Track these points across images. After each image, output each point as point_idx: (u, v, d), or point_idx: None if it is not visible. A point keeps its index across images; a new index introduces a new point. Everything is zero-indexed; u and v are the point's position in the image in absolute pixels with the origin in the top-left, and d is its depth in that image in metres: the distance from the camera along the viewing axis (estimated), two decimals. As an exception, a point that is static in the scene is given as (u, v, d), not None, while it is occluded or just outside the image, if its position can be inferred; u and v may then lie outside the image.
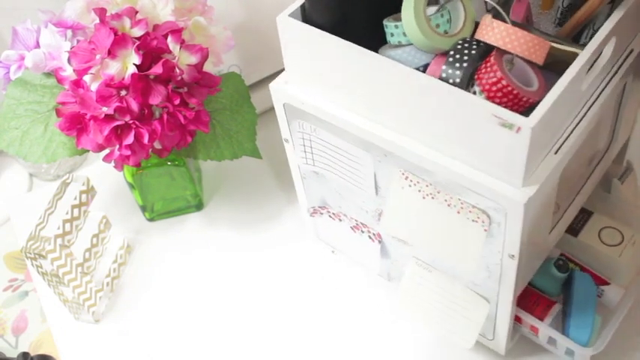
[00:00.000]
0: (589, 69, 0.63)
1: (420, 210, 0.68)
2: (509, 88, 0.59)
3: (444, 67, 0.62)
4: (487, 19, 0.61)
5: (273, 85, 0.71)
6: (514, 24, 0.65)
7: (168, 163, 0.91)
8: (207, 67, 0.82)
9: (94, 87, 0.74)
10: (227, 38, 0.85)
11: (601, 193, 0.83)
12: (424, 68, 0.65)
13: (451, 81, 0.61)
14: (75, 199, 0.84)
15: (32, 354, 0.83)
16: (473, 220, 0.64)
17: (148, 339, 0.87)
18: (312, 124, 0.71)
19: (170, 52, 0.76)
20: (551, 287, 0.79)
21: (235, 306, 0.89)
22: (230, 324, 0.87)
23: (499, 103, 0.60)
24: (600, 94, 0.66)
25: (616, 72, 0.67)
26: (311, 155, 0.75)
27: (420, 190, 0.67)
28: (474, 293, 0.72)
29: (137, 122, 0.76)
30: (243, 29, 0.98)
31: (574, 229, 0.82)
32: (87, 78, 0.75)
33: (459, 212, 0.65)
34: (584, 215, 0.82)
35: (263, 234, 0.95)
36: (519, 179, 0.59)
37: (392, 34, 0.66)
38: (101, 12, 0.75)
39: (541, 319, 0.76)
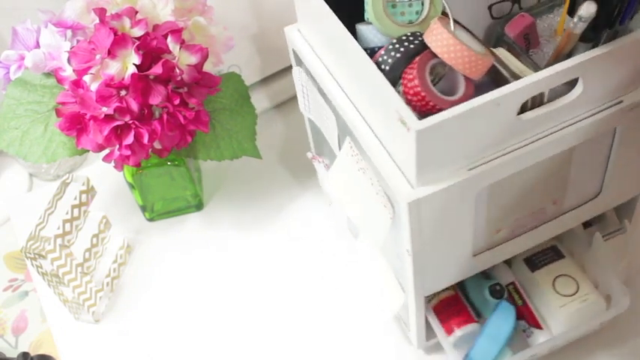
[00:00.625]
0: (535, 102, 0.62)
1: (353, 180, 0.70)
2: (418, 89, 0.60)
3: (382, 52, 0.63)
4: (433, 22, 0.62)
5: (287, 29, 0.74)
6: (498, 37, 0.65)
7: (168, 163, 0.91)
8: (207, 67, 0.82)
9: (94, 87, 0.74)
10: (227, 38, 0.85)
11: (584, 242, 0.80)
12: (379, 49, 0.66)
13: (382, 67, 0.62)
14: (75, 199, 0.84)
15: (32, 354, 0.83)
16: (384, 206, 0.65)
17: (148, 339, 0.87)
18: (306, 75, 0.73)
19: (170, 52, 0.76)
20: (482, 307, 0.79)
21: (235, 306, 0.89)
22: (230, 324, 0.87)
23: (410, 101, 0.61)
24: (553, 133, 0.63)
25: (584, 118, 0.64)
26: (308, 103, 0.78)
27: (357, 162, 0.68)
28: (394, 279, 0.73)
29: (137, 122, 0.76)
30: (243, 29, 0.98)
31: (534, 264, 0.79)
32: (87, 78, 0.75)
33: (377, 194, 0.66)
34: (553, 255, 0.80)
35: (263, 234, 0.95)
36: (413, 178, 0.60)
37: (365, 10, 0.67)
38: (101, 12, 0.75)
39: (451, 329, 0.77)
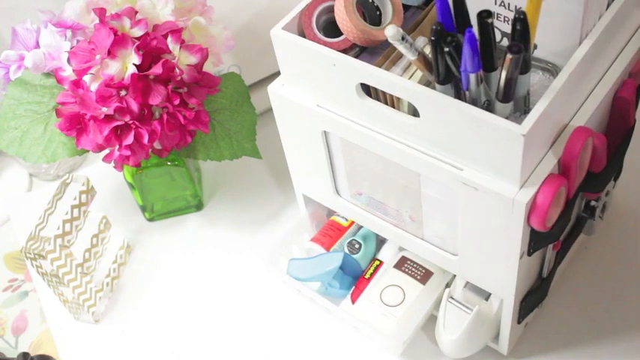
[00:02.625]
0: (386, 98, 0.65)
1: None
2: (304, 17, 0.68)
3: None
4: None
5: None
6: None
7: (168, 164, 0.91)
8: (207, 67, 0.82)
9: (93, 87, 0.74)
10: (227, 38, 0.85)
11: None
12: None
13: None
14: (75, 199, 0.84)
15: (32, 354, 0.83)
16: None
17: (148, 339, 0.87)
18: None
19: (170, 52, 0.76)
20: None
21: (235, 306, 0.89)
22: (230, 324, 0.87)
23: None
24: (393, 141, 0.65)
25: (423, 154, 0.64)
26: None
27: None
28: None
29: (137, 122, 0.76)
30: (243, 29, 0.98)
31: (401, 265, 0.80)
32: (87, 78, 0.75)
33: None
34: (420, 274, 0.79)
35: (263, 234, 0.95)
36: (280, 78, 0.72)
37: None
38: (101, 12, 0.75)
39: (313, 238, 0.85)
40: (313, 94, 0.69)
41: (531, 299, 0.74)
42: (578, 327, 0.81)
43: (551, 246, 0.71)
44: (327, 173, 0.76)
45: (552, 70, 0.66)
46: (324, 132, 0.71)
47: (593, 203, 0.74)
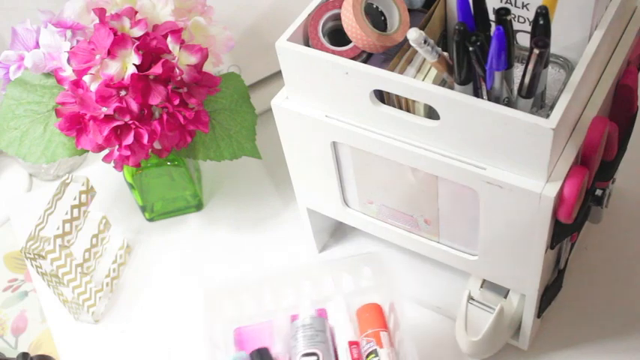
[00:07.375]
0: (400, 103, 0.63)
1: None
2: (310, 28, 0.67)
3: None
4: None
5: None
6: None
7: (168, 164, 0.91)
8: (207, 68, 0.82)
9: (93, 87, 0.74)
10: (227, 38, 0.85)
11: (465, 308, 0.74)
12: None
13: None
14: (74, 199, 0.84)
15: (32, 354, 0.83)
16: None
17: (147, 339, 0.87)
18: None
19: (170, 52, 0.76)
20: None
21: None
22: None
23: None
24: (409, 145, 0.65)
25: (443, 156, 0.64)
26: None
27: None
28: None
29: (137, 122, 0.76)
30: (243, 29, 0.97)
31: None
32: (86, 78, 0.75)
33: None
34: None
35: (263, 234, 0.95)
36: (285, 90, 0.71)
37: None
38: (101, 12, 0.75)
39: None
40: (322, 104, 0.68)
41: (550, 292, 0.74)
42: (593, 318, 0.81)
43: (568, 237, 0.71)
44: (336, 185, 0.75)
45: (563, 64, 0.66)
46: (334, 143, 0.70)
47: (598, 192, 0.74)
